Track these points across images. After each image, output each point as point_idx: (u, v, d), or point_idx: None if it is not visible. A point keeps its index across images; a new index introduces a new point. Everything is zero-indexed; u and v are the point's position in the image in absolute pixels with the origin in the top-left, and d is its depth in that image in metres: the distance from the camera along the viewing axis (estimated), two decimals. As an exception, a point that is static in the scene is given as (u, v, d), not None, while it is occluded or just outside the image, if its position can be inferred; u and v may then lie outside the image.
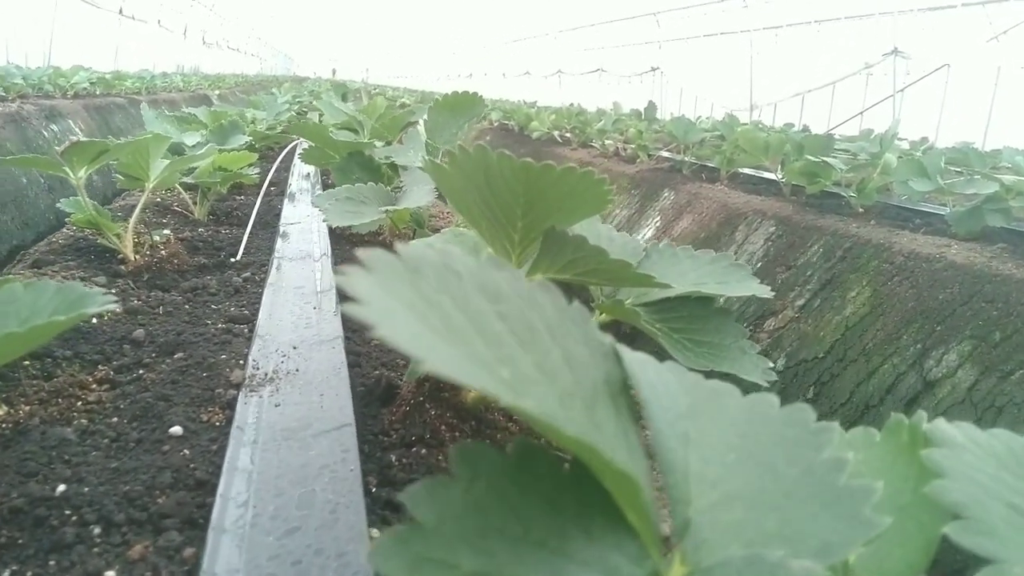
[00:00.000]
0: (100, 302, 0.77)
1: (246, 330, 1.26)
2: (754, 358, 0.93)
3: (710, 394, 0.46)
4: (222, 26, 24.37)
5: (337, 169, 2.00)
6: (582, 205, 0.76)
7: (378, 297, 0.33)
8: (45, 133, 5.80)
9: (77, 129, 6.57)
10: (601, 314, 0.97)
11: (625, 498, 0.34)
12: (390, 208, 1.40)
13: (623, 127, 6.87)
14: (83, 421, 0.95)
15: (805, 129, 6.62)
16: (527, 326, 0.39)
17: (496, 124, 9.94)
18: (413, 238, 1.70)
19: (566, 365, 0.38)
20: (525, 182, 0.71)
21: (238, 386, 0.98)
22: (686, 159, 5.51)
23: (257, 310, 1.33)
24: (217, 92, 13.15)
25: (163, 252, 1.74)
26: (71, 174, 1.58)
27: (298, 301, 1.34)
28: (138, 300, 1.42)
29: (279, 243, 1.84)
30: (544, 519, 0.32)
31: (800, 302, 3.38)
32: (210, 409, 0.94)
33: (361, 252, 0.36)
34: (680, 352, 0.90)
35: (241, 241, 1.95)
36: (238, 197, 2.79)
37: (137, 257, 1.75)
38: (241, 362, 1.09)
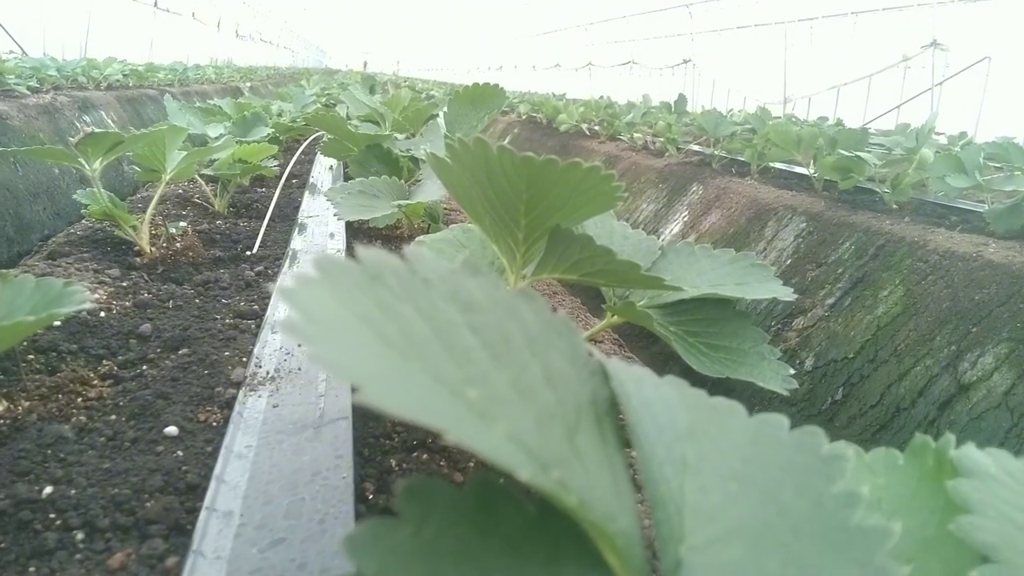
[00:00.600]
0: (77, 301, 0.75)
1: (253, 325, 1.24)
2: (774, 364, 0.88)
3: (713, 413, 0.42)
4: (255, 19, 24.59)
5: (355, 162, 1.98)
6: (589, 203, 0.72)
7: (325, 310, 0.29)
8: (78, 124, 5.88)
9: (109, 120, 6.66)
10: (613, 315, 0.93)
11: (606, 543, 0.30)
12: (402, 203, 1.37)
13: (652, 120, 6.78)
14: (82, 418, 0.93)
15: (839, 123, 6.47)
16: (503, 339, 0.35)
17: (524, 117, 9.88)
18: (428, 233, 1.67)
19: (547, 383, 0.34)
20: (527, 178, 0.67)
21: (238, 384, 0.96)
22: (716, 153, 5.41)
23: (267, 305, 1.31)
24: (248, 84, 13.25)
25: (178, 245, 1.73)
26: (86, 165, 1.58)
27: (308, 296, 1.32)
28: (148, 293, 1.40)
29: (295, 237, 1.82)
30: (506, 567, 0.28)
31: (830, 300, 3.30)
32: (208, 408, 0.92)
33: (315, 258, 0.33)
34: (695, 357, 0.85)
35: (258, 234, 1.93)
36: (259, 189, 2.78)
37: (153, 249, 1.74)
38: (244, 359, 1.07)
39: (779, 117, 7.04)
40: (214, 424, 0.89)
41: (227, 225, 2.10)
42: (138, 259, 1.68)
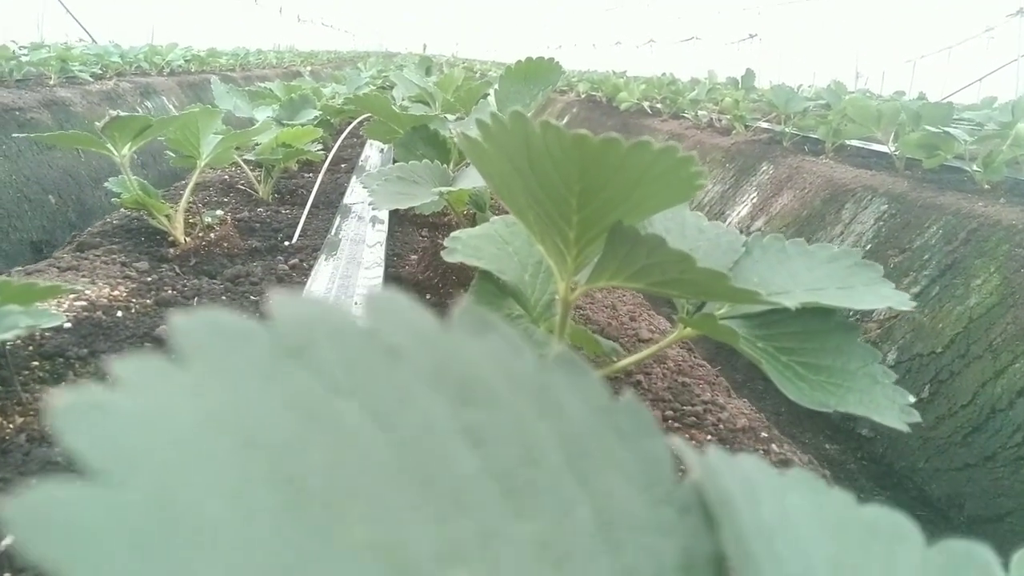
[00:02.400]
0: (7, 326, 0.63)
1: (278, 328, 1.12)
2: (889, 390, 0.71)
3: (869, 538, 0.26)
4: (317, 3, 24.79)
5: (400, 144, 1.85)
6: (660, 193, 0.56)
7: (157, 453, 0.15)
8: (139, 110, 5.95)
9: (170, 105, 6.73)
10: (685, 327, 0.77)
11: None
12: (444, 189, 1.23)
13: (718, 96, 6.47)
14: (76, 439, 0.82)
15: (921, 97, 6.05)
16: (527, 455, 0.20)
17: (584, 96, 9.64)
18: (474, 222, 1.53)
19: (604, 540, 0.19)
20: (580, 164, 0.51)
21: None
22: (787, 130, 5.11)
23: (296, 303, 1.19)
24: (309, 68, 13.32)
25: (212, 235, 1.63)
26: (114, 151, 1.49)
27: (341, 295, 1.19)
28: (173, 289, 1.30)
29: (336, 226, 1.70)
30: None
31: (915, 289, 3.03)
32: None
33: (176, 319, 0.18)
34: (790, 382, 0.69)
35: (299, 222, 1.83)
36: (307, 174, 2.69)
37: (187, 240, 1.65)
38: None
39: (852, 92, 6.64)
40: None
41: (268, 213, 2.00)
42: (171, 250, 1.59)
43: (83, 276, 1.33)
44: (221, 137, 1.73)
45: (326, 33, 28.14)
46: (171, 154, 1.76)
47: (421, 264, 1.46)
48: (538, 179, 0.56)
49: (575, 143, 0.49)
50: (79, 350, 1.03)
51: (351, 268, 1.34)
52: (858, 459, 2.80)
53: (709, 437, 0.90)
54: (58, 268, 1.37)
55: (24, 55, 5.10)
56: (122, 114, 1.41)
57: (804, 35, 13.78)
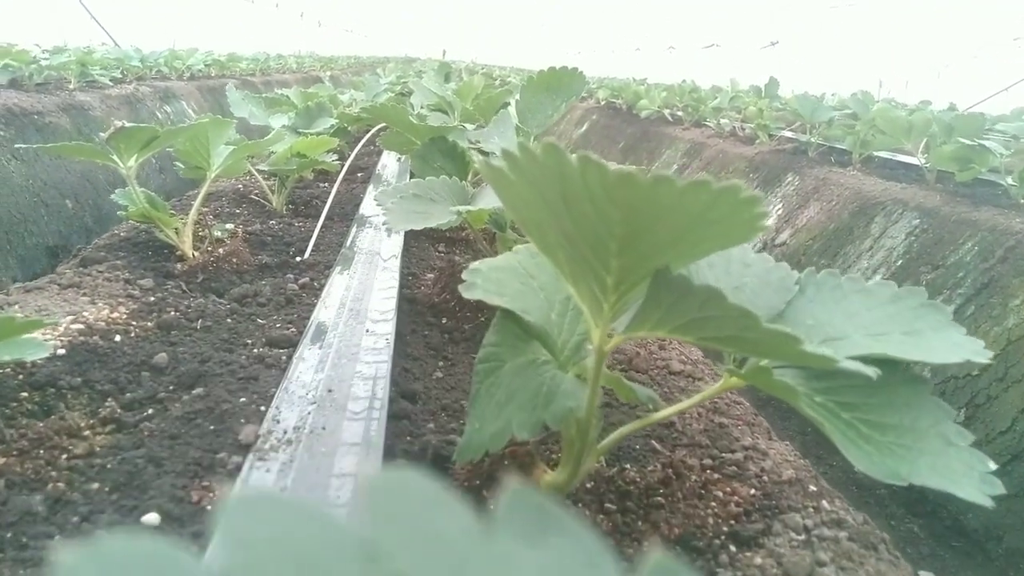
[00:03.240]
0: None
1: (283, 357, 1.05)
2: (965, 455, 0.62)
3: None
4: (337, 8, 24.90)
5: (416, 156, 1.78)
6: (715, 237, 0.48)
7: None
8: (159, 114, 5.94)
9: (190, 110, 6.73)
10: (732, 376, 0.69)
11: None
12: (463, 208, 1.16)
13: (741, 105, 6.36)
14: (60, 485, 0.75)
15: (952, 108, 5.91)
16: None
17: (603, 103, 9.55)
18: (494, 241, 1.46)
19: None
20: (625, 205, 0.43)
21: (247, 448, 0.76)
22: (812, 140, 5.00)
23: (304, 328, 1.12)
24: (329, 73, 13.33)
25: (221, 251, 1.57)
26: (119, 163, 1.43)
27: (351, 320, 1.12)
28: (176, 311, 1.24)
29: (350, 240, 1.63)
30: None
31: (950, 308, 2.91)
32: (204, 484, 0.73)
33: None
34: (854, 445, 0.60)
35: (312, 236, 1.76)
36: (322, 184, 2.62)
37: (196, 254, 1.58)
38: (262, 408, 0.87)
39: (877, 101, 6.50)
40: (208, 507, 0.69)
41: (281, 225, 1.94)
42: (179, 265, 1.52)
43: (84, 294, 1.27)
44: (232, 148, 1.67)
45: (346, 38, 28.27)
46: (180, 165, 1.70)
47: (437, 285, 1.39)
48: (573, 218, 0.48)
49: (620, 182, 0.41)
50: (72, 379, 0.97)
51: (364, 290, 1.26)
52: (888, 484, 2.69)
53: (753, 491, 0.81)
54: (59, 285, 1.31)
55: (44, 59, 5.10)
56: (128, 124, 1.34)
57: (826, 43, 13.61)
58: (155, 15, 10.11)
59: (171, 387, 0.97)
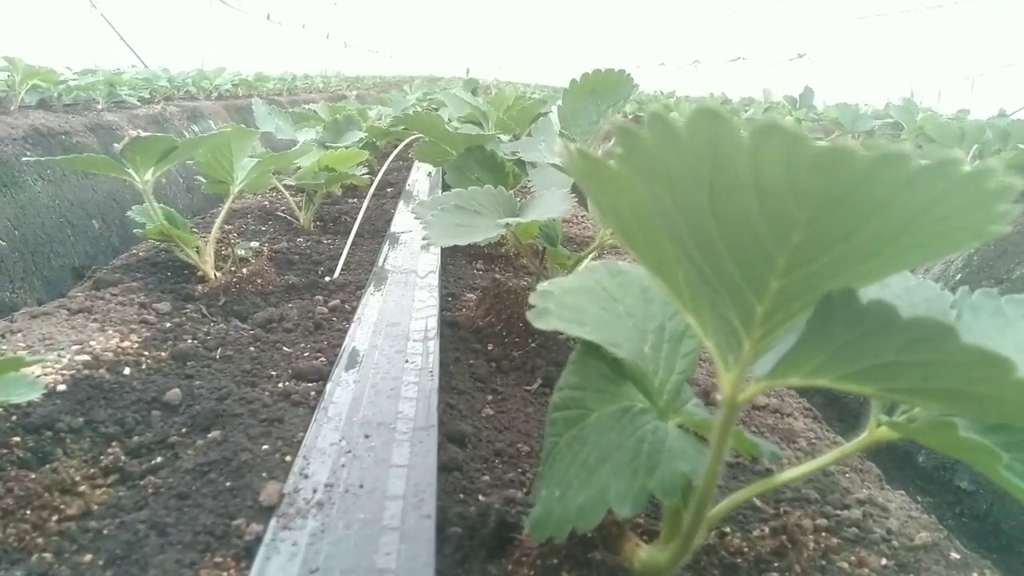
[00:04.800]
0: None
1: (312, 393, 0.92)
2: None
3: None
4: (363, 29, 25.12)
5: (453, 167, 1.65)
6: (934, 242, 0.33)
7: None
8: (186, 133, 5.92)
9: (217, 129, 6.70)
10: (878, 427, 0.54)
11: None
12: (511, 221, 1.02)
13: (776, 116, 6.19)
14: (46, 556, 0.62)
15: (1002, 114, 5.70)
16: None
17: (631, 116, 9.43)
18: (542, 257, 1.32)
19: None
20: (820, 200, 0.29)
21: (269, 511, 0.63)
22: (854, 150, 4.81)
23: (335, 357, 0.99)
24: (355, 92, 13.34)
25: (245, 271, 1.45)
26: (135, 177, 1.31)
27: (388, 348, 0.98)
28: (194, 338, 1.11)
29: (382, 258, 1.50)
30: None
31: None
32: (216, 560, 0.59)
33: None
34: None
35: (341, 254, 1.63)
36: (351, 199, 2.51)
37: (218, 275, 1.46)
38: (287, 458, 0.74)
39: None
40: (221, 593, 0.56)
41: (309, 243, 1.82)
42: (199, 287, 1.40)
43: (94, 320, 1.15)
44: (257, 160, 1.55)
45: (372, 58, 28.48)
46: (202, 179, 1.58)
47: (481, 307, 1.25)
48: (719, 220, 0.34)
49: (823, 162, 0.27)
50: (72, 419, 0.84)
51: (401, 314, 1.13)
52: (956, 514, 2.48)
53: (884, 560, 0.66)
54: (68, 310, 1.20)
55: (73, 80, 5.09)
56: (143, 134, 1.23)
57: (855, 53, 13.38)
58: (183, 37, 10.20)
59: (184, 429, 0.84)
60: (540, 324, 0.58)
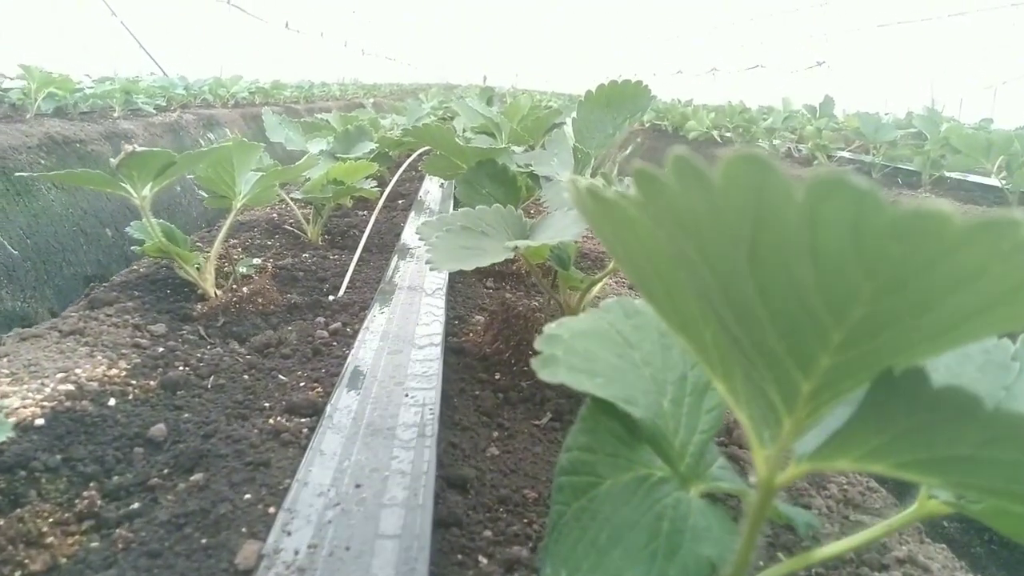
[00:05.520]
0: None
1: (304, 430, 0.86)
2: None
3: None
4: (380, 37, 25.23)
5: (463, 182, 1.59)
6: (1009, 319, 0.27)
7: None
8: (202, 142, 5.91)
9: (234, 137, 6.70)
10: (928, 501, 0.47)
11: None
12: (520, 244, 0.96)
13: (795, 125, 6.10)
14: (2, 620, 0.57)
15: (1029, 123, 5.56)
16: None
17: (648, 125, 9.35)
18: (554, 280, 1.26)
19: None
20: (893, 270, 0.23)
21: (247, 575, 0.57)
22: (876, 160, 4.71)
23: (332, 387, 0.93)
24: (372, 100, 13.35)
25: (245, 290, 1.40)
26: (132, 192, 1.27)
27: (387, 380, 0.92)
28: (186, 365, 1.06)
29: (388, 276, 1.44)
30: None
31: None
32: (182, 636, 0.53)
33: None
34: None
35: (347, 271, 1.58)
36: (361, 212, 2.46)
37: (219, 293, 1.41)
38: (270, 510, 0.68)
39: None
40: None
41: (315, 259, 1.76)
42: (199, 306, 1.35)
43: (85, 344, 1.10)
44: (260, 174, 1.50)
45: (389, 66, 28.59)
46: (203, 194, 1.54)
47: (489, 332, 1.19)
48: (760, 286, 0.28)
49: (905, 226, 0.21)
50: (49, 457, 0.79)
51: (404, 340, 1.07)
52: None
53: (931, 637, 0.59)
54: (60, 332, 1.15)
55: (89, 87, 5.09)
56: (139, 148, 1.18)
57: (875, 62, 13.22)
58: (203, 45, 10.26)
59: (166, 470, 0.78)
60: (546, 375, 0.51)
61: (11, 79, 4.72)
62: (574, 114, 1.69)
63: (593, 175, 1.66)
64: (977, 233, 0.21)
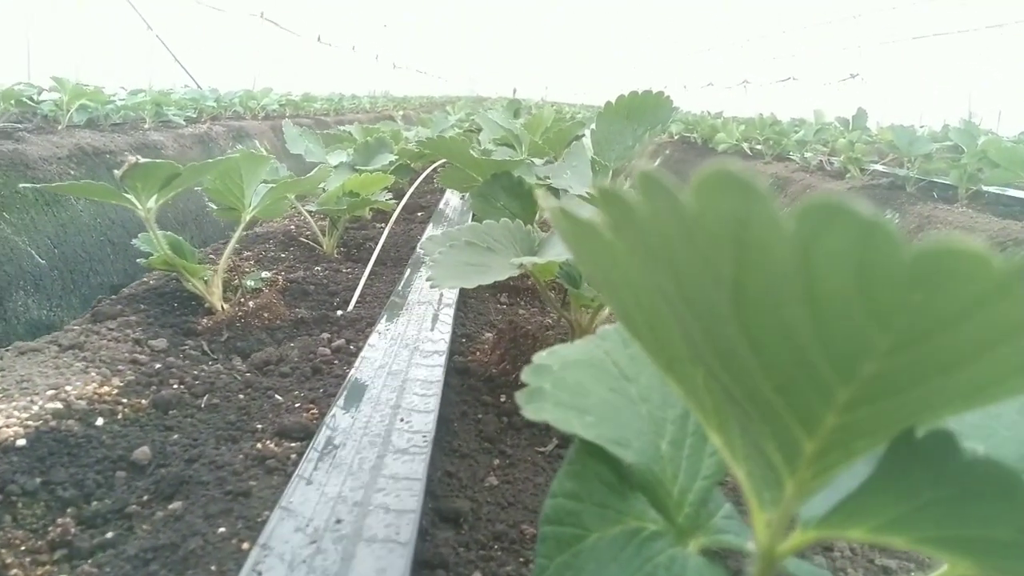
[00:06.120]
0: None
1: (292, 456, 0.81)
2: None
3: None
4: (411, 51, 25.45)
5: (477, 194, 1.55)
6: None
7: None
8: (231, 153, 5.97)
9: (263, 149, 6.76)
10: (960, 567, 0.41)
11: None
12: (527, 261, 0.91)
13: (828, 137, 5.98)
14: (-49, 662, 0.53)
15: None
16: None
17: (676, 137, 9.26)
18: (565, 297, 1.21)
19: None
20: (913, 315, 0.18)
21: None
22: (911, 174, 4.59)
23: (328, 408, 0.88)
24: (401, 112, 13.43)
25: (252, 303, 1.37)
26: (137, 204, 1.24)
27: (384, 403, 0.88)
28: (181, 383, 1.02)
29: (399, 290, 1.40)
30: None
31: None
32: None
33: None
34: None
35: (358, 285, 1.54)
36: (379, 224, 2.43)
37: (226, 307, 1.39)
38: (244, 546, 0.63)
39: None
40: None
41: (327, 272, 1.73)
42: (204, 320, 1.33)
43: (82, 359, 1.07)
44: (270, 186, 1.48)
45: (419, 79, 28.82)
46: (212, 206, 1.51)
47: (496, 351, 1.14)
48: (748, 333, 0.23)
49: (926, 268, 0.16)
50: (28, 480, 0.76)
51: (405, 357, 1.03)
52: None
53: None
54: (59, 346, 1.12)
55: (121, 99, 5.17)
56: (142, 160, 1.16)
57: (910, 74, 12.98)
58: (236, 58, 10.41)
59: (145, 496, 0.74)
60: (530, 412, 0.46)
61: (47, 91, 4.80)
62: (593, 125, 1.65)
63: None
64: (1013, 279, 0.16)
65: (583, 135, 2.33)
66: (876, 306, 0.18)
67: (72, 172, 3.96)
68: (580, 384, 0.48)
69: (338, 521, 0.63)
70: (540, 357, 0.51)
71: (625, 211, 0.23)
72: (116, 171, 1.20)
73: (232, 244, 1.45)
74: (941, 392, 0.22)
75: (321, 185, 1.89)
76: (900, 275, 0.17)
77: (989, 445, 0.43)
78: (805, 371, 0.22)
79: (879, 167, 5.25)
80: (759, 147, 6.89)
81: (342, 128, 3.56)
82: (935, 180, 4.57)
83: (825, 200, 0.17)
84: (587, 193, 1.17)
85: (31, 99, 4.57)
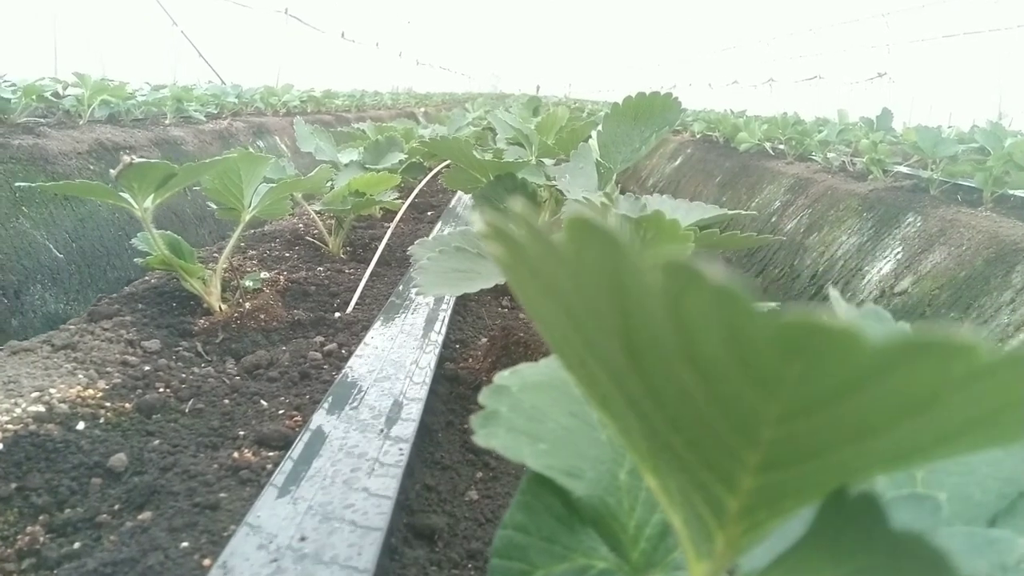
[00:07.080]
0: None
1: (268, 466, 0.80)
2: None
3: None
4: (435, 47, 25.49)
5: (480, 196, 1.53)
6: (999, 436, 0.19)
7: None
8: (251, 149, 6.00)
9: (283, 145, 6.80)
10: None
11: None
12: (516, 269, 0.89)
13: (851, 138, 5.88)
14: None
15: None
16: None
17: (699, 136, 9.17)
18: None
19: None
20: (796, 387, 0.15)
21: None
22: (934, 176, 4.49)
23: (309, 416, 0.87)
24: (423, 109, 13.44)
25: (248, 304, 1.36)
26: (133, 204, 1.24)
27: (368, 410, 0.86)
28: (167, 387, 1.02)
29: (396, 292, 1.39)
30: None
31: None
32: None
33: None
34: None
35: (358, 286, 1.53)
36: (388, 224, 2.42)
37: (224, 307, 1.38)
38: (206, 562, 0.62)
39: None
40: None
41: (330, 272, 1.72)
42: (201, 321, 1.32)
43: (72, 360, 1.07)
44: (271, 186, 1.47)
45: (443, 76, 28.85)
46: (212, 206, 1.51)
47: (488, 358, 1.12)
48: (648, 387, 0.20)
49: (793, 341, 0.13)
50: (3, 486, 0.75)
51: (395, 363, 1.01)
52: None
53: None
54: (52, 346, 1.12)
55: (142, 95, 5.21)
56: (138, 159, 1.15)
57: (939, 73, 12.74)
58: (260, 54, 10.49)
59: (117, 505, 0.73)
60: (481, 437, 0.44)
61: (72, 86, 4.86)
62: (600, 127, 1.62)
63: (623, 191, 1.58)
64: (903, 357, 0.14)
65: (592, 136, 2.30)
66: (756, 374, 0.16)
67: (92, 167, 4.00)
68: (537, 408, 0.46)
69: (303, 539, 0.61)
70: (502, 377, 0.49)
71: (516, 250, 0.21)
72: (112, 171, 1.19)
73: (231, 244, 1.45)
74: (861, 456, 0.20)
75: (328, 183, 1.88)
76: (769, 347, 0.15)
77: (966, 483, 0.40)
78: (709, 432, 0.20)
79: (903, 169, 5.15)
80: (781, 147, 6.79)
81: (355, 126, 3.55)
82: (960, 183, 4.47)
83: (678, 258, 0.15)
84: (583, 199, 1.14)
85: (55, 95, 4.62)
